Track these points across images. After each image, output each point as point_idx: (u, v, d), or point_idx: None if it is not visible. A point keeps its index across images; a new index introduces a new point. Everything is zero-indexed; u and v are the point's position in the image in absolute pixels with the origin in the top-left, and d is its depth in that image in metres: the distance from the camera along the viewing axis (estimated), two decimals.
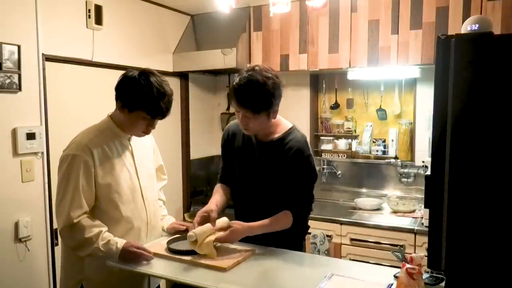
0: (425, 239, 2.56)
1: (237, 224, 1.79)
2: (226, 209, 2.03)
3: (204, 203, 3.47)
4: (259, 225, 1.79)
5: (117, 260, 1.70)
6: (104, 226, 1.74)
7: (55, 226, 2.51)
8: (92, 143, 1.74)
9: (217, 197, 1.97)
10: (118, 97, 1.78)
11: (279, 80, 1.76)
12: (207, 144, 3.93)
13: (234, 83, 1.75)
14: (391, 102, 3.33)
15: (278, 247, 1.87)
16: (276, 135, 1.87)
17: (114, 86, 1.78)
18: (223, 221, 1.83)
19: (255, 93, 1.69)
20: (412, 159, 3.24)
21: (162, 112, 1.77)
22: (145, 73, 1.75)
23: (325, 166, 3.53)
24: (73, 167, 1.70)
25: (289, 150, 1.82)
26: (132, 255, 1.69)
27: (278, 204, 1.84)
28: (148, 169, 1.97)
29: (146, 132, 1.85)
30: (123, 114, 1.78)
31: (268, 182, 1.87)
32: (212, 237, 1.74)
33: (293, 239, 1.94)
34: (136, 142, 1.90)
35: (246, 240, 1.84)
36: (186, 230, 2.00)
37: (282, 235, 1.85)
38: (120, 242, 1.71)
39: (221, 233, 1.76)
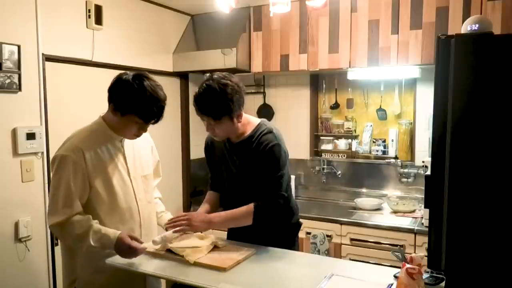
0: (425, 239, 2.56)
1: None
2: None
3: None
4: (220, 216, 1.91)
5: (112, 249, 1.69)
6: (93, 221, 1.71)
7: None
8: (84, 144, 1.73)
9: (206, 206, 2.08)
10: (111, 100, 1.77)
11: (238, 85, 1.83)
12: None
13: (194, 93, 1.83)
14: (391, 102, 3.33)
15: (270, 244, 1.90)
16: (246, 134, 1.93)
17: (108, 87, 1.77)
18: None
19: (213, 101, 1.77)
20: (412, 159, 3.25)
21: (154, 117, 1.76)
22: (139, 77, 1.74)
23: (325, 166, 3.53)
24: (64, 168, 1.69)
25: (258, 145, 1.88)
26: (126, 246, 1.67)
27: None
28: (142, 171, 1.94)
29: (138, 135, 1.83)
30: (116, 117, 1.76)
31: (248, 181, 1.92)
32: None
33: (285, 236, 1.99)
34: (129, 143, 1.88)
35: (236, 238, 1.92)
36: None
37: (274, 233, 1.92)
38: (113, 233, 1.69)
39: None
